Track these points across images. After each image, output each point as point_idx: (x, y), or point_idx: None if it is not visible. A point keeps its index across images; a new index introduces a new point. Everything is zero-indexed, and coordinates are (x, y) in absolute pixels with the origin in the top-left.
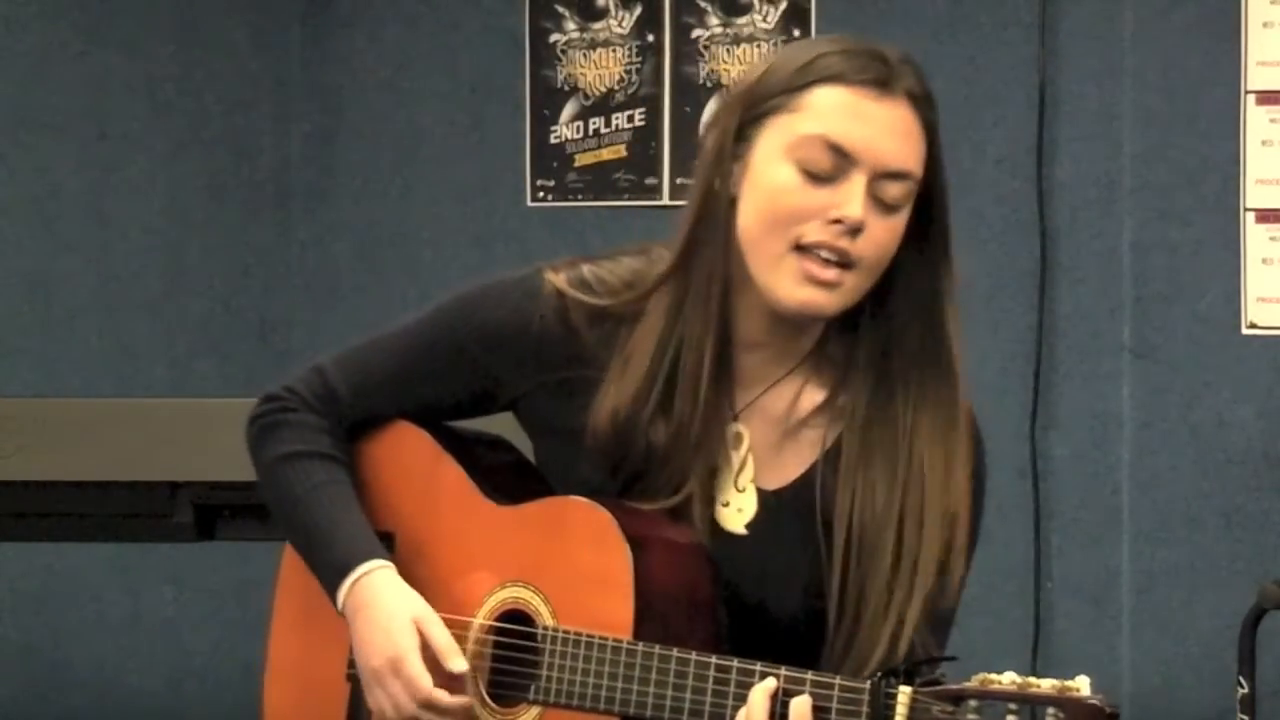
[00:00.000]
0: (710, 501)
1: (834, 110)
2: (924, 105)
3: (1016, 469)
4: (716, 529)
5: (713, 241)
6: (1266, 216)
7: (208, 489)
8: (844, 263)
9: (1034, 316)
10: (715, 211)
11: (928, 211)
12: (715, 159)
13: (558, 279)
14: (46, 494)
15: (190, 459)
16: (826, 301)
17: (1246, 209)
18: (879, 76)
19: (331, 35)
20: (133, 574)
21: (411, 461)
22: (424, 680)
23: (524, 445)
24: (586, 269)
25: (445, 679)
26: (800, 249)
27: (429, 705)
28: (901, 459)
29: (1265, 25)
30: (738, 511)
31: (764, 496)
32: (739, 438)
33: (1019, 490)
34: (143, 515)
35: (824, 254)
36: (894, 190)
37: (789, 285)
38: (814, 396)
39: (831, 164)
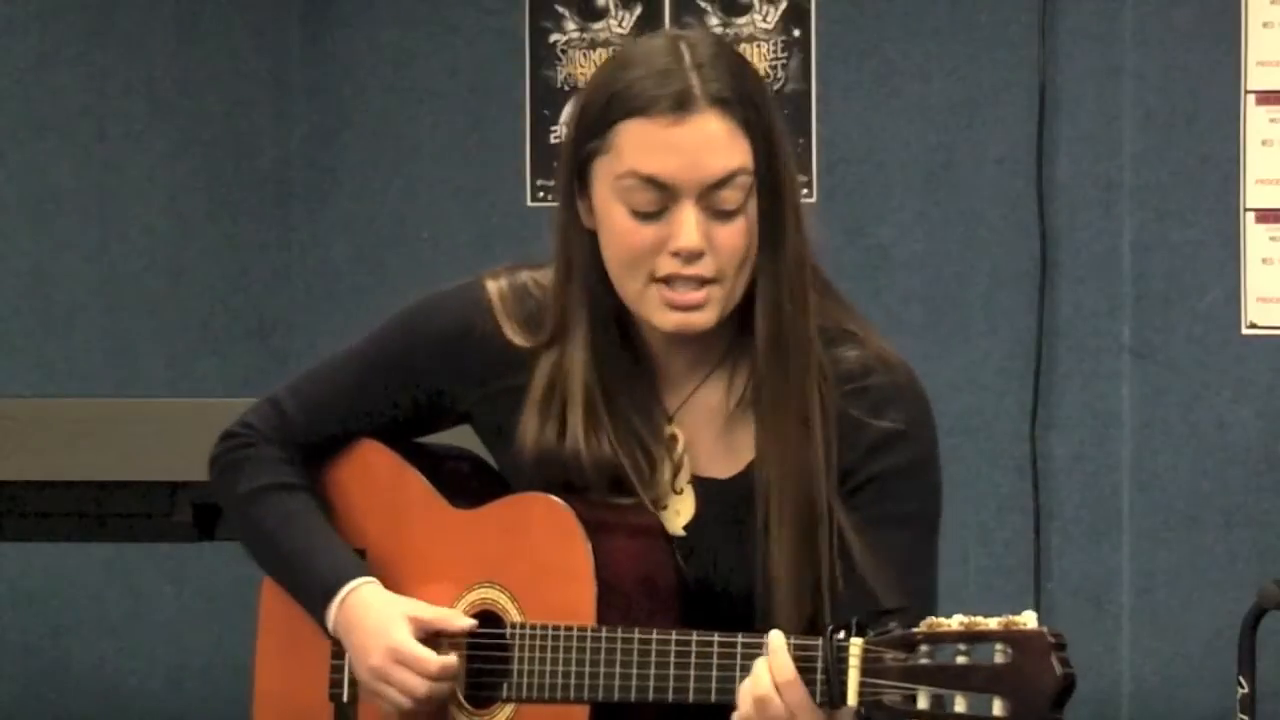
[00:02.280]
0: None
1: (640, 147)
2: (735, 105)
3: (1016, 469)
4: None
5: (585, 271)
6: (1266, 216)
7: (208, 489)
8: (704, 281)
9: (1034, 316)
10: (580, 245)
11: (771, 194)
12: (564, 198)
13: (495, 286)
14: (46, 494)
15: (190, 459)
16: (700, 320)
17: (1246, 209)
18: (677, 98)
19: (331, 35)
20: (133, 574)
21: (376, 478)
22: (428, 656)
23: (487, 455)
24: (525, 275)
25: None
26: (659, 280)
27: (442, 675)
28: (800, 429)
29: (1265, 25)
30: (675, 514)
31: (710, 490)
32: (674, 440)
33: (1019, 490)
34: (143, 515)
35: (680, 284)
36: (728, 195)
37: (659, 314)
38: (742, 383)
39: (654, 199)
